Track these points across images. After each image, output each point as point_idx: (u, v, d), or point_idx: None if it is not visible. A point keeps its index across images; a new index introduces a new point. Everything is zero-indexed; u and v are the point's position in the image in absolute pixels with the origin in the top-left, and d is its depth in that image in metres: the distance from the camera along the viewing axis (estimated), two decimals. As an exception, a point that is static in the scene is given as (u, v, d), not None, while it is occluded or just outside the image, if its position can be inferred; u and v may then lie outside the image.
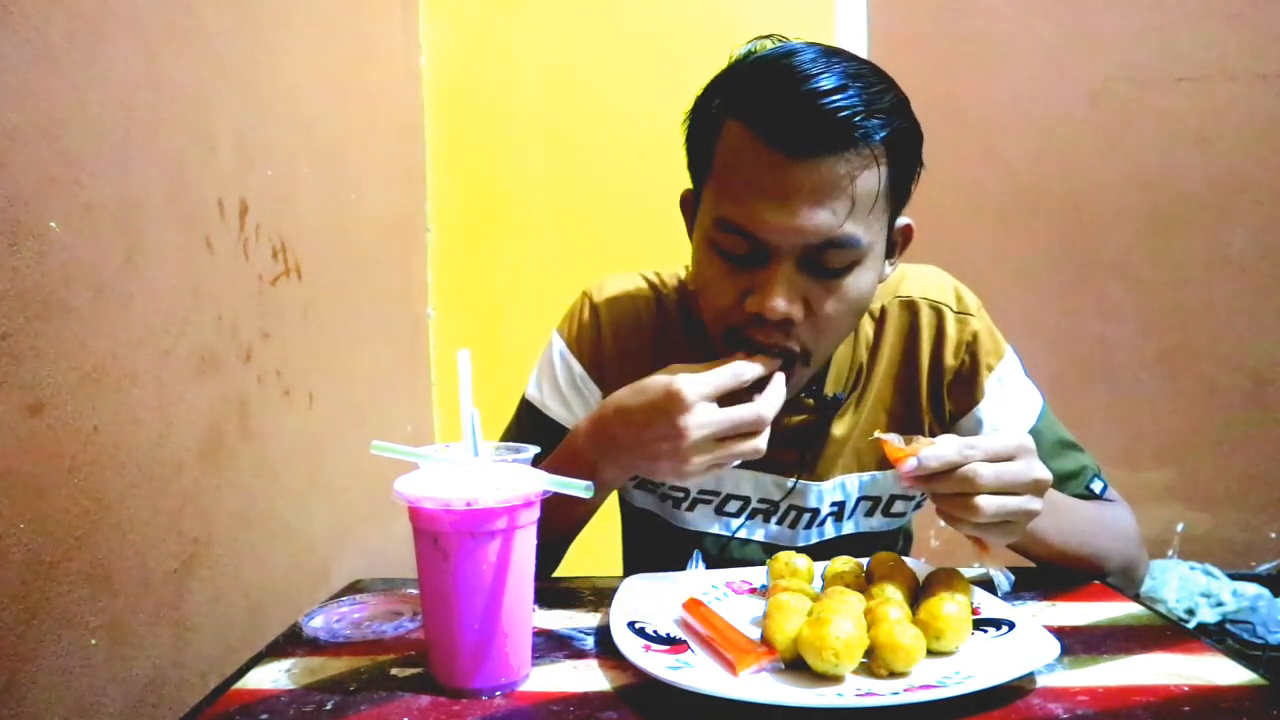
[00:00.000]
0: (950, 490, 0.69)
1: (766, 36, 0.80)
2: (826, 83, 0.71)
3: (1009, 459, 0.69)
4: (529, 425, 0.97)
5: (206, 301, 1.04)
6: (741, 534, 0.97)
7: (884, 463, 0.93)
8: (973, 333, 0.92)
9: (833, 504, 0.95)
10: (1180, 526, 2.08)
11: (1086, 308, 2.08)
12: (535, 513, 0.64)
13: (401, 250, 1.89)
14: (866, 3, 1.99)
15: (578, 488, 0.62)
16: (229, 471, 1.08)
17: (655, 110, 2.01)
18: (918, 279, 0.95)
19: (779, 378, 0.77)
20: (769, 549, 0.95)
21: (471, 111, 2.04)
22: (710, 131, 0.79)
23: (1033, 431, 0.91)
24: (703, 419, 0.72)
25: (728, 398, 0.74)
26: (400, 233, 1.88)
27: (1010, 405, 0.93)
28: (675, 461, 0.73)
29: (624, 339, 0.95)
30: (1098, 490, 0.93)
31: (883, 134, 0.73)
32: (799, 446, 0.92)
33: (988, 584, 0.77)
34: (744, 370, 0.75)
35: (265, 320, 1.19)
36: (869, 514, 0.97)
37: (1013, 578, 0.72)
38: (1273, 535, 2.07)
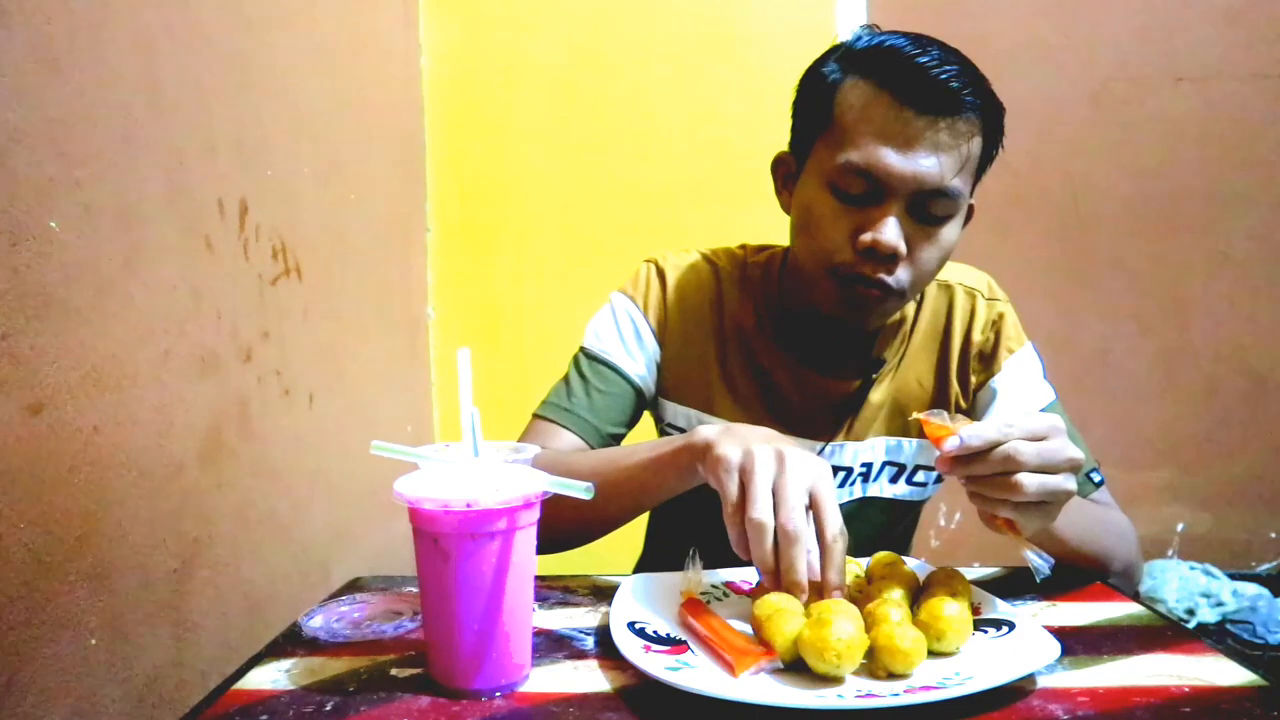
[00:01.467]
0: (991, 470, 0.68)
1: (868, 27, 0.91)
2: (935, 54, 0.83)
3: (1043, 438, 0.69)
4: (591, 371, 1.00)
5: (206, 301, 1.04)
6: None
7: (910, 430, 1.01)
8: (999, 313, 1.02)
9: (862, 464, 1.01)
10: (1180, 526, 2.08)
11: (1086, 308, 2.08)
12: (535, 513, 0.64)
13: (401, 250, 1.88)
14: (866, 3, 2.00)
15: (577, 489, 0.62)
16: (229, 471, 1.08)
17: (656, 110, 2.01)
18: (955, 268, 1.03)
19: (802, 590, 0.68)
20: None
21: (471, 111, 2.04)
22: (828, 91, 0.87)
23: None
24: (781, 463, 0.69)
25: None
26: (400, 233, 1.88)
27: (1023, 384, 1.00)
28: (729, 444, 0.71)
29: (686, 302, 1.02)
30: (1095, 480, 0.96)
31: (982, 107, 0.84)
32: (841, 410, 0.99)
33: (1024, 573, 0.75)
34: (838, 525, 0.69)
35: (265, 320, 1.19)
36: (893, 480, 1.02)
37: (1051, 560, 0.71)
38: (1273, 535, 2.07)
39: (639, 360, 1.01)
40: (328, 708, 0.62)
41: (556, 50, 2.03)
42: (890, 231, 0.83)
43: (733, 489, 0.70)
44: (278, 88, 1.26)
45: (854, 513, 1.00)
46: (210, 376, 1.05)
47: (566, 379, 1.01)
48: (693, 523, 0.98)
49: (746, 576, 0.84)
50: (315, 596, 0.90)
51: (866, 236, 0.84)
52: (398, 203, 1.86)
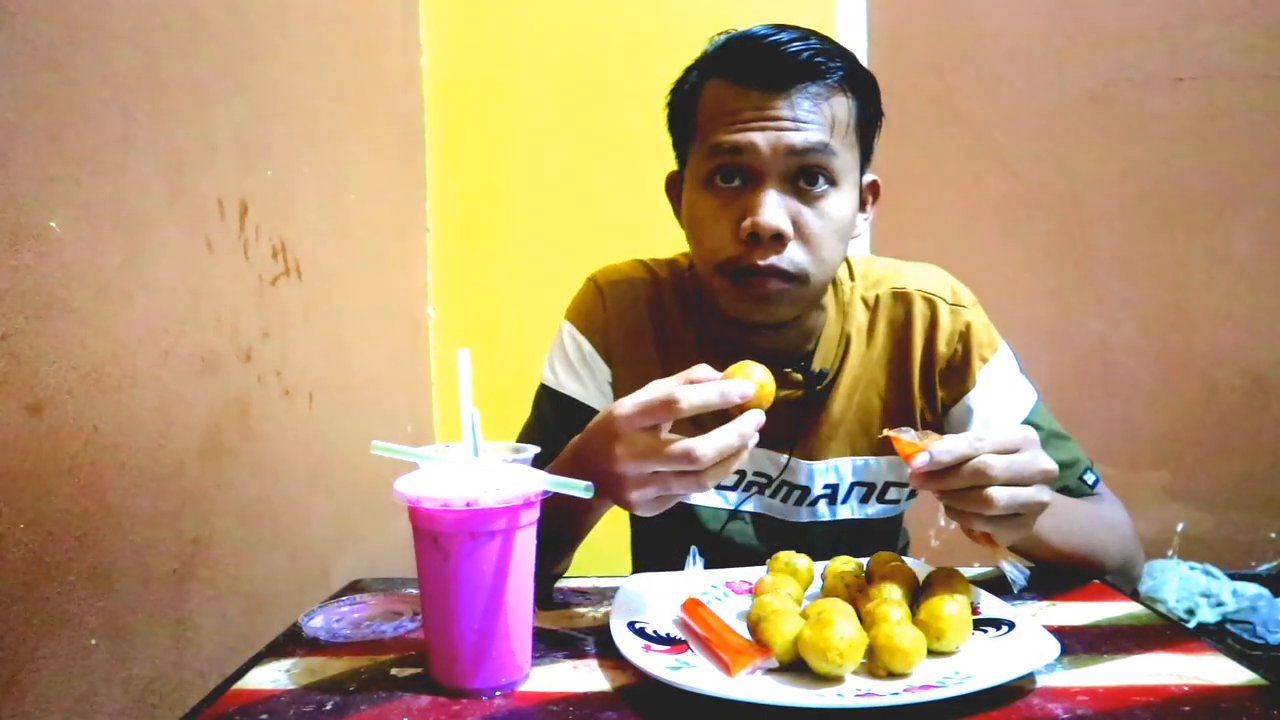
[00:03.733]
0: (962, 485, 0.68)
1: (723, 33, 0.90)
2: (788, 34, 0.83)
3: (1015, 451, 0.69)
4: (549, 408, 1.00)
5: (206, 301, 1.04)
6: (743, 506, 0.99)
7: (877, 448, 0.97)
8: (966, 323, 0.96)
9: (825, 486, 0.98)
10: (1180, 526, 2.08)
11: (1086, 308, 2.08)
12: (535, 513, 0.64)
13: (401, 250, 1.89)
14: (866, 3, 2.00)
15: (577, 488, 0.62)
16: (229, 471, 1.08)
17: (655, 110, 2.00)
18: (914, 273, 0.99)
19: (748, 417, 0.68)
20: (765, 522, 0.99)
21: (471, 111, 2.04)
22: (691, 100, 0.89)
23: (1026, 423, 0.93)
24: (634, 446, 0.67)
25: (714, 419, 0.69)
26: (400, 233, 1.88)
27: (1002, 396, 0.95)
28: (617, 491, 0.70)
29: (626, 317, 1.01)
30: (1090, 482, 0.95)
31: (842, 72, 0.84)
32: (792, 423, 0.95)
33: (1001, 581, 0.76)
34: (681, 396, 0.66)
35: (265, 320, 1.19)
36: (864, 500, 0.99)
37: (1027, 572, 0.71)
38: (1273, 535, 2.07)
39: (591, 386, 0.99)
40: (328, 707, 0.62)
41: (556, 50, 2.03)
42: (767, 211, 0.81)
43: (660, 506, 0.69)
44: (278, 87, 1.26)
45: (827, 534, 0.98)
46: (210, 376, 1.05)
47: (529, 421, 1.02)
48: (674, 515, 0.98)
49: (746, 576, 0.84)
50: (315, 596, 0.90)
51: (746, 222, 0.82)
52: (398, 203, 1.87)
